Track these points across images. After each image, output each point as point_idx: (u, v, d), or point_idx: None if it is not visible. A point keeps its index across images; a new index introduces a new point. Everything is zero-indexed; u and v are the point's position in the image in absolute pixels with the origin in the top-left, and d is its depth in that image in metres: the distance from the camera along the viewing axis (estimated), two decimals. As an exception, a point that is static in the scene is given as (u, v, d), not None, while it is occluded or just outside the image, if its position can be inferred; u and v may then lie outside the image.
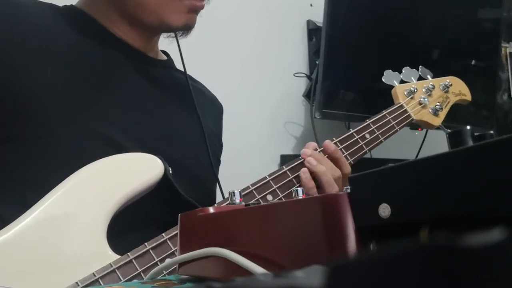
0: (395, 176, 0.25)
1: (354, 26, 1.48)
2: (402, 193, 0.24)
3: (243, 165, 1.32)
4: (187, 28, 0.83)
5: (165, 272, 0.46)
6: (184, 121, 0.84)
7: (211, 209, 0.37)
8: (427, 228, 0.24)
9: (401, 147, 1.71)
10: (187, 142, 0.82)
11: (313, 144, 0.82)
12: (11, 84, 0.68)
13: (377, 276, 0.12)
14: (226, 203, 0.69)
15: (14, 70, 0.68)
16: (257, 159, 1.46)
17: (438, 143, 1.31)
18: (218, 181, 0.86)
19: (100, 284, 0.58)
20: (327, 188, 0.77)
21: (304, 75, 1.61)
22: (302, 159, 0.78)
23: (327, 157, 0.80)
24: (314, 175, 0.77)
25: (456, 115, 1.62)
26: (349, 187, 0.28)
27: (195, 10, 0.81)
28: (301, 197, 0.38)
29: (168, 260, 0.42)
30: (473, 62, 1.73)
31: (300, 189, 0.39)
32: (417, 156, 1.67)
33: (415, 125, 1.00)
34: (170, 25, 0.80)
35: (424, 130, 1.65)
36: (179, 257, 0.37)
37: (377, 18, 1.52)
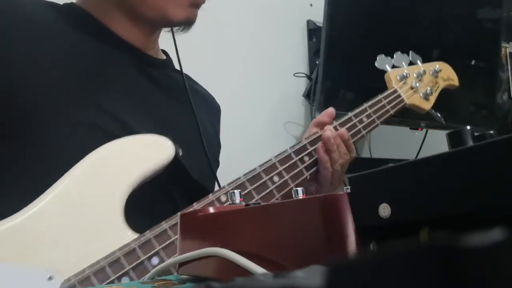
0: (395, 176, 0.25)
1: (354, 26, 1.48)
2: (402, 193, 0.24)
3: (243, 165, 1.31)
4: (188, 23, 0.82)
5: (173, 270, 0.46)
6: (181, 120, 0.84)
7: (211, 209, 0.37)
8: (427, 228, 0.24)
9: (401, 147, 1.71)
10: (185, 141, 0.83)
11: (331, 110, 0.89)
12: (8, 82, 0.68)
13: (377, 276, 0.12)
14: (221, 192, 0.70)
15: (10, 67, 0.68)
16: (257, 159, 1.46)
17: (438, 143, 1.31)
18: (216, 178, 0.86)
19: (122, 264, 0.59)
20: (323, 171, 0.84)
21: (304, 75, 1.61)
22: (319, 134, 0.84)
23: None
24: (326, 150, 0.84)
25: (456, 115, 1.62)
26: (349, 187, 0.27)
27: (196, 4, 0.80)
28: (301, 197, 0.37)
29: (168, 260, 0.42)
30: (473, 62, 1.72)
31: (300, 189, 0.38)
32: (417, 156, 1.67)
33: (408, 110, 1.04)
34: (172, 19, 0.79)
35: (424, 130, 1.65)
36: (179, 257, 0.37)
37: (377, 18, 1.52)
